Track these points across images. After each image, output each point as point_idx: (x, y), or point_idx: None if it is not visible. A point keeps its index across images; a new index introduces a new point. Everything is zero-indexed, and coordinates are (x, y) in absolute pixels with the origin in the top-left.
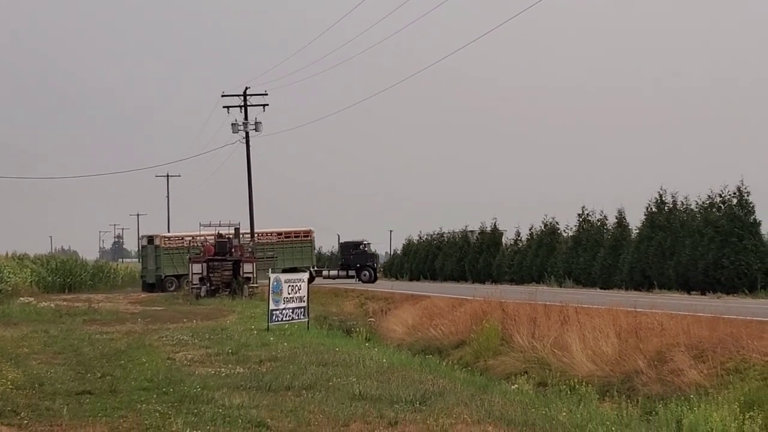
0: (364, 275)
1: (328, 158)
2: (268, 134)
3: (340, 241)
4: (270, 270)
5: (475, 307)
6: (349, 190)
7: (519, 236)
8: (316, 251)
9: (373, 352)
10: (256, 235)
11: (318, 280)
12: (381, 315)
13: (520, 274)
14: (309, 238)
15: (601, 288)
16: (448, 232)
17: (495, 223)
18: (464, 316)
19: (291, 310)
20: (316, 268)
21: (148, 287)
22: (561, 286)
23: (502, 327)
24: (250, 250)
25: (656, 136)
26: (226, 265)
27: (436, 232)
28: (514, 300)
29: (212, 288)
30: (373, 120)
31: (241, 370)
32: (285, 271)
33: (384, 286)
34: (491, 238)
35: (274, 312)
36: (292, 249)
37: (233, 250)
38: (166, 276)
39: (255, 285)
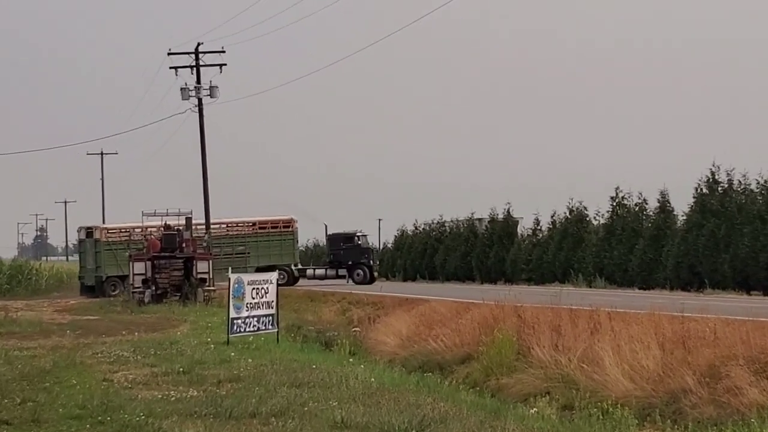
0: (358, 275)
1: (304, 131)
2: (227, 101)
3: (328, 233)
4: (230, 270)
5: (485, 313)
6: (328, 169)
7: (538, 225)
8: (299, 245)
9: (359, 370)
10: (224, 226)
11: (302, 281)
12: (368, 324)
13: (540, 271)
14: (290, 228)
15: (639, 288)
16: (451, 221)
17: (509, 209)
18: (471, 325)
19: (256, 319)
20: (299, 267)
21: (87, 291)
22: (590, 287)
23: (518, 337)
24: (205, 244)
25: (706, 102)
26: (175, 264)
27: (435, 221)
28: (532, 304)
29: (158, 292)
30: (359, 82)
31: (195, 393)
32: (260, 270)
33: (372, 287)
34: (504, 227)
35: (235, 321)
36: (269, 243)
37: (184, 244)
38: (108, 277)
39: (212, 288)
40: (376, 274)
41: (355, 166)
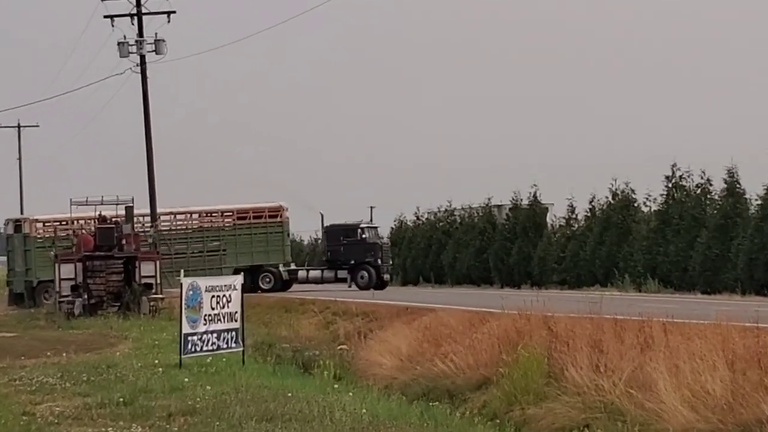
0: (362, 278)
1: (281, 96)
2: (178, 58)
3: (325, 225)
4: (182, 273)
5: (507, 325)
6: (309, 145)
7: (573, 213)
8: (291, 238)
9: (347, 399)
10: (190, 216)
11: (295, 287)
12: (358, 340)
13: (576, 272)
14: (279, 219)
15: (703, 292)
16: (462, 209)
17: (535, 192)
18: (489, 340)
19: (216, 335)
20: (290, 267)
21: (17, 299)
22: (640, 291)
23: (549, 356)
24: (151, 240)
25: None
26: (113, 266)
27: (443, 209)
28: (566, 313)
29: (92, 302)
30: (344, 32)
31: (140, 430)
32: (238, 271)
33: (363, 294)
34: (530, 216)
35: (189, 338)
36: (251, 237)
37: (124, 241)
38: (40, 282)
39: (160, 296)
40: (387, 276)
41: (341, 142)
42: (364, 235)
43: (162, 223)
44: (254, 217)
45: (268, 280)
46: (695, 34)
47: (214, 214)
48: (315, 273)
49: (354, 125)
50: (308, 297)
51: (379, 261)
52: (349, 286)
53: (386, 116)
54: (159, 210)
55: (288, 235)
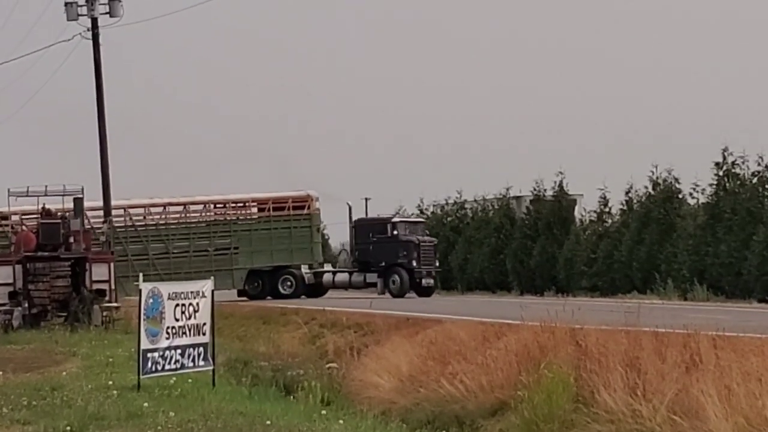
0: (394, 283)
1: (265, 65)
2: (136, 22)
3: (353, 219)
4: (140, 277)
5: (527, 339)
6: (289, 125)
7: (606, 206)
8: (321, 234)
9: (337, 428)
10: (193, 208)
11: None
12: (350, 357)
13: (610, 276)
14: (306, 210)
15: (760, 300)
16: (475, 201)
17: (561, 181)
18: (506, 358)
19: (181, 351)
20: (316, 270)
21: None
22: (685, 298)
23: (577, 376)
24: (104, 238)
25: None
26: (59, 269)
27: (451, 201)
28: (597, 325)
29: (34, 311)
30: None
31: None
32: (254, 273)
33: (357, 302)
34: (555, 209)
35: (149, 354)
36: (271, 233)
37: (72, 239)
38: None
39: (115, 304)
40: (429, 281)
41: (331, 122)
42: (395, 232)
43: (152, 217)
44: (275, 209)
45: (289, 283)
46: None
47: (222, 206)
48: (342, 276)
49: (346, 106)
50: (290, 306)
51: (414, 263)
52: (381, 293)
53: (383, 97)
54: (151, 201)
55: (318, 230)
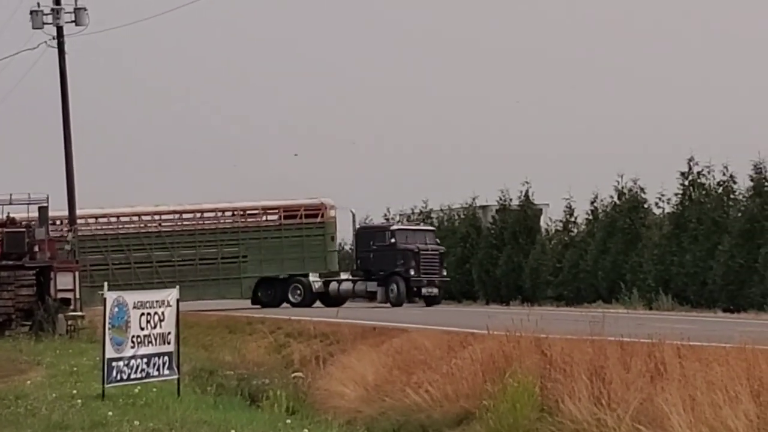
0: (392, 291)
1: (232, 71)
2: (103, 30)
3: (356, 225)
4: (105, 287)
5: (492, 349)
6: (250, 130)
7: (572, 215)
8: (337, 244)
9: None
10: (202, 216)
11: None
12: (316, 366)
13: (575, 285)
14: (320, 219)
15: (725, 310)
16: (441, 210)
17: (527, 191)
18: (471, 367)
19: (146, 360)
20: (325, 278)
21: None
22: (651, 308)
23: (542, 386)
24: (69, 247)
25: None
26: (23, 278)
27: (417, 210)
28: (563, 335)
29: None
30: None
31: None
32: (264, 281)
33: (323, 311)
34: (521, 219)
35: (114, 363)
36: (281, 241)
37: (36, 248)
38: None
39: (79, 313)
40: (432, 290)
41: (309, 124)
42: (392, 239)
43: (165, 224)
44: (287, 217)
45: (298, 292)
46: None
47: (231, 214)
48: (346, 285)
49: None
50: (256, 315)
51: (412, 271)
52: (381, 301)
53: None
54: (163, 208)
55: (333, 239)
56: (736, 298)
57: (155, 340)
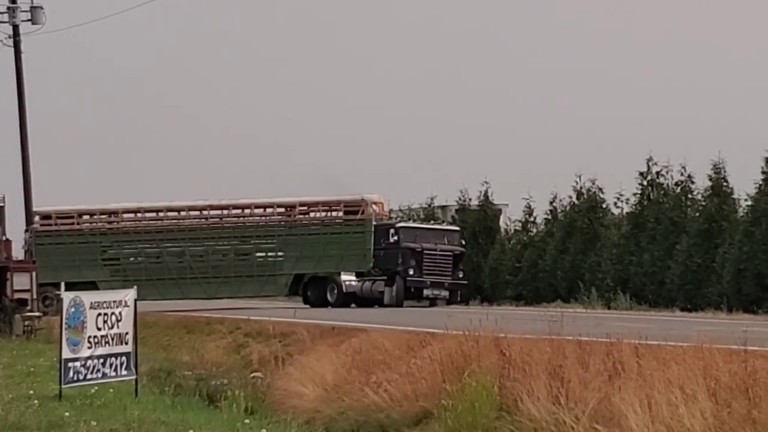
0: (392, 291)
1: (192, 68)
2: (61, 29)
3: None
4: (62, 286)
5: (451, 348)
6: (202, 130)
7: (531, 215)
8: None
9: None
10: (231, 212)
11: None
12: (275, 366)
13: (534, 285)
14: (361, 216)
15: (682, 309)
16: (400, 210)
17: (486, 190)
18: (430, 366)
19: (102, 361)
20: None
21: None
22: (609, 308)
23: (501, 385)
24: (26, 247)
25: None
26: None
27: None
28: (522, 334)
29: None
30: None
31: None
32: (299, 278)
33: (280, 312)
34: (480, 219)
35: (71, 364)
36: (318, 238)
37: None
38: None
39: (36, 314)
40: (439, 293)
41: (246, 123)
42: (395, 237)
43: (200, 219)
44: (324, 211)
45: (335, 292)
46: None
47: (264, 209)
48: (357, 284)
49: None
50: (215, 315)
51: (411, 271)
52: (386, 302)
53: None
54: (199, 203)
55: (372, 237)
56: (693, 298)
57: (112, 340)
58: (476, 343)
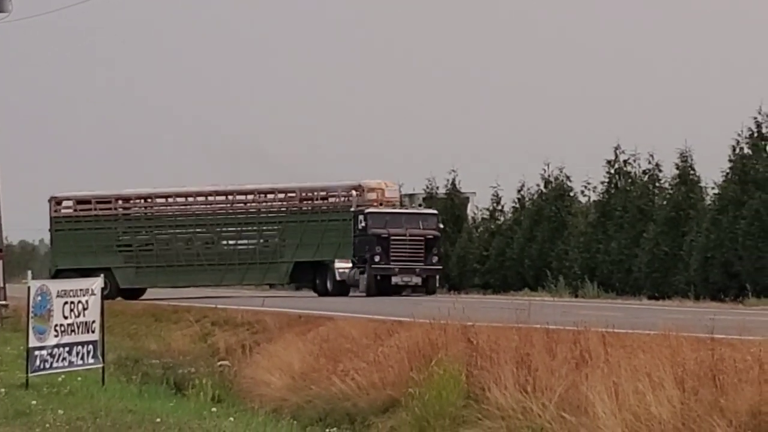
0: (364, 278)
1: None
2: (29, 17)
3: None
4: (29, 274)
5: (418, 336)
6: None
7: (498, 204)
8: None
9: (227, 425)
10: (227, 198)
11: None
12: (242, 354)
13: (501, 273)
14: (344, 202)
15: (650, 297)
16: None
17: (454, 179)
18: (397, 355)
19: (69, 349)
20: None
21: None
22: (576, 296)
23: (468, 373)
24: None
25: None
26: None
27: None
28: (489, 322)
29: None
30: None
31: None
32: (299, 265)
33: (251, 300)
34: (447, 207)
35: (37, 353)
36: (318, 225)
37: None
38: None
39: (3, 302)
40: (410, 279)
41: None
42: (363, 224)
43: (208, 205)
44: (323, 199)
45: (333, 280)
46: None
47: (266, 195)
48: (346, 273)
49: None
50: (183, 304)
51: (378, 258)
52: (361, 290)
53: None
54: (207, 188)
55: None
56: (660, 286)
57: (79, 329)
58: (444, 331)
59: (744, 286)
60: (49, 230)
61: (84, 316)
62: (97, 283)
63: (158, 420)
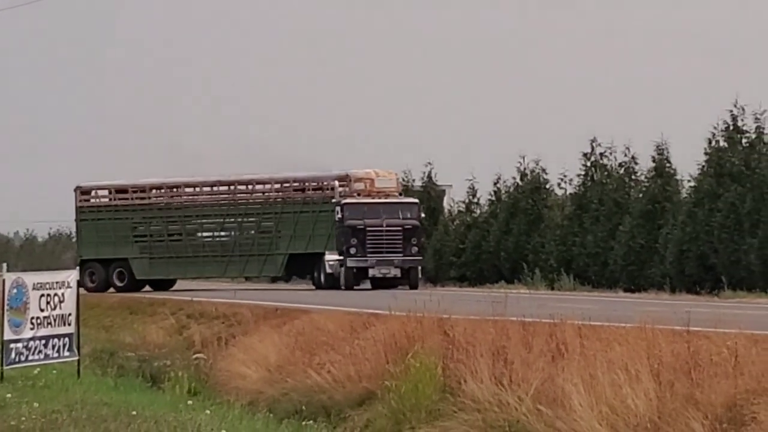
0: (344, 272)
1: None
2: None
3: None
4: (4, 267)
5: (394, 329)
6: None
7: (474, 196)
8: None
9: (202, 417)
10: (224, 188)
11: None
12: (218, 347)
13: (478, 266)
14: (327, 192)
15: (626, 290)
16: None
17: (430, 171)
18: (373, 348)
19: (45, 342)
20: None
21: None
22: (553, 288)
23: (444, 366)
24: None
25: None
26: None
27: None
28: (465, 315)
29: None
30: None
31: None
32: (294, 258)
33: (221, 293)
34: (423, 200)
35: (12, 345)
36: (309, 216)
37: None
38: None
39: None
40: (389, 271)
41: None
42: (339, 216)
43: (211, 196)
44: (314, 189)
45: (324, 273)
46: None
47: (258, 185)
48: (333, 265)
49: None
50: (158, 297)
51: (353, 250)
52: (341, 283)
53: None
54: (198, 179)
55: None
56: (636, 279)
57: (55, 321)
58: (420, 324)
59: (719, 279)
60: (75, 220)
61: (60, 308)
62: (72, 275)
63: (134, 413)
